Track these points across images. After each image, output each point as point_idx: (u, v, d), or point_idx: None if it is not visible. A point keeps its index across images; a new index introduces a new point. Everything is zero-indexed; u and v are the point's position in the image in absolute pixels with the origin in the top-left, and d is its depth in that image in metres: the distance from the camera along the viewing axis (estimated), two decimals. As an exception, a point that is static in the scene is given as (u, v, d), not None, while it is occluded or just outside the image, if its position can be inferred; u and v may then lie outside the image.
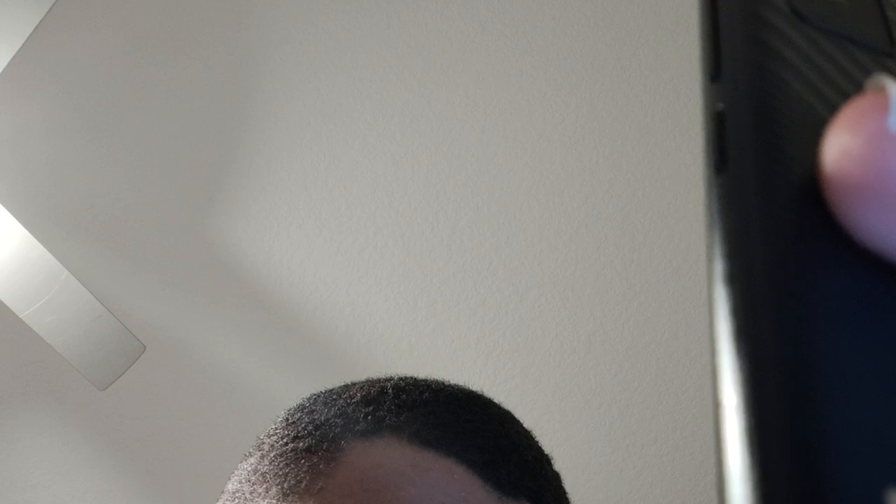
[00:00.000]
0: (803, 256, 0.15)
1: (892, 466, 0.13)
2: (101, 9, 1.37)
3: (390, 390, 0.54)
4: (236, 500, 0.51)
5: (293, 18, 1.38)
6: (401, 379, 0.55)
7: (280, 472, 0.50)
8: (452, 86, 1.40)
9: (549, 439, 0.58)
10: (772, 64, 0.17)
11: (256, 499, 0.50)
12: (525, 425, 0.57)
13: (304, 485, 0.48)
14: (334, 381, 0.59)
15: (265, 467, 0.51)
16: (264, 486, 0.50)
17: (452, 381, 0.57)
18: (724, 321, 0.15)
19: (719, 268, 0.15)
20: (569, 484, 0.57)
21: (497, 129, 1.41)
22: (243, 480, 0.52)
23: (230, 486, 0.53)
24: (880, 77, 0.15)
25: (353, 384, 0.56)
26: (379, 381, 0.55)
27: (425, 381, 0.56)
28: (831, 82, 0.17)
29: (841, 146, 0.15)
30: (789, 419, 0.14)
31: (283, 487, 0.49)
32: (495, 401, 0.57)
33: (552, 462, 0.56)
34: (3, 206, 1.25)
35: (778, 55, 0.17)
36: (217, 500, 0.54)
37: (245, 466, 0.53)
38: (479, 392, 0.57)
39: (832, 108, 0.16)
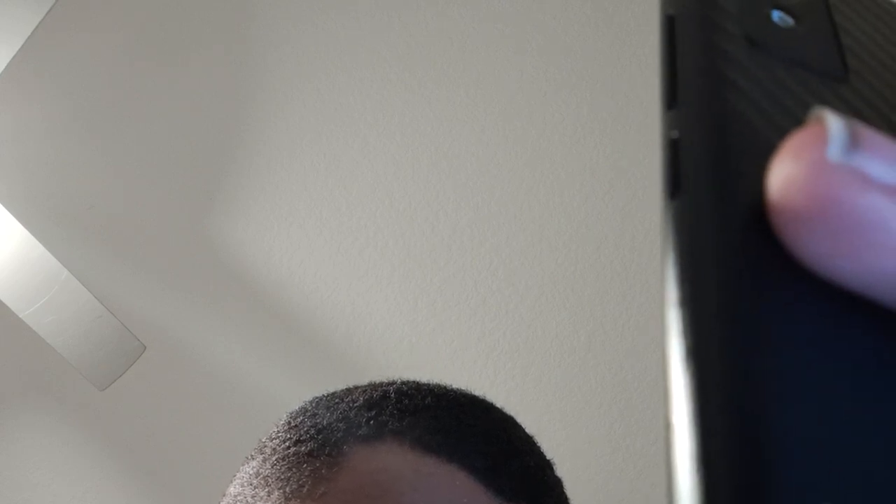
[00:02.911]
0: (753, 279, 0.15)
1: (833, 485, 0.14)
2: (101, 9, 1.37)
3: (393, 395, 0.53)
4: (238, 504, 0.51)
5: (293, 18, 1.38)
6: (403, 383, 0.55)
7: (282, 476, 0.50)
8: (452, 86, 1.40)
9: (549, 439, 0.58)
10: (725, 91, 0.18)
11: (258, 502, 0.50)
12: (526, 430, 0.57)
13: (306, 489, 0.48)
14: (334, 381, 0.59)
15: (267, 471, 0.51)
16: (266, 489, 0.50)
17: (455, 386, 0.57)
18: (674, 342, 0.15)
19: (672, 292, 0.16)
20: (569, 484, 0.57)
21: (497, 129, 1.41)
22: (245, 484, 0.52)
23: (232, 490, 0.53)
24: (821, 110, 0.16)
25: (356, 388, 0.56)
26: (381, 385, 0.55)
27: (428, 385, 0.56)
28: (784, 109, 0.18)
29: (785, 175, 0.15)
30: (733, 439, 0.14)
31: (285, 491, 0.49)
32: (497, 405, 0.57)
33: (554, 468, 0.56)
34: (3, 206, 1.25)
35: (732, 83, 0.18)
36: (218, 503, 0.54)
37: (247, 470, 0.53)
38: (482, 397, 0.57)
39: (784, 135, 0.16)
